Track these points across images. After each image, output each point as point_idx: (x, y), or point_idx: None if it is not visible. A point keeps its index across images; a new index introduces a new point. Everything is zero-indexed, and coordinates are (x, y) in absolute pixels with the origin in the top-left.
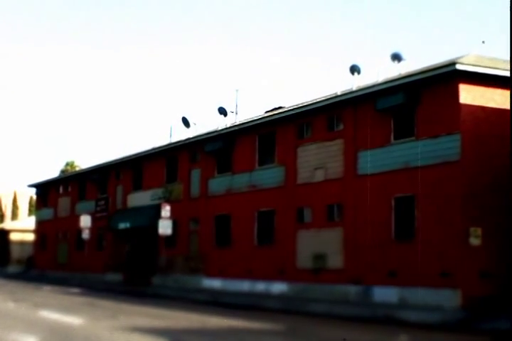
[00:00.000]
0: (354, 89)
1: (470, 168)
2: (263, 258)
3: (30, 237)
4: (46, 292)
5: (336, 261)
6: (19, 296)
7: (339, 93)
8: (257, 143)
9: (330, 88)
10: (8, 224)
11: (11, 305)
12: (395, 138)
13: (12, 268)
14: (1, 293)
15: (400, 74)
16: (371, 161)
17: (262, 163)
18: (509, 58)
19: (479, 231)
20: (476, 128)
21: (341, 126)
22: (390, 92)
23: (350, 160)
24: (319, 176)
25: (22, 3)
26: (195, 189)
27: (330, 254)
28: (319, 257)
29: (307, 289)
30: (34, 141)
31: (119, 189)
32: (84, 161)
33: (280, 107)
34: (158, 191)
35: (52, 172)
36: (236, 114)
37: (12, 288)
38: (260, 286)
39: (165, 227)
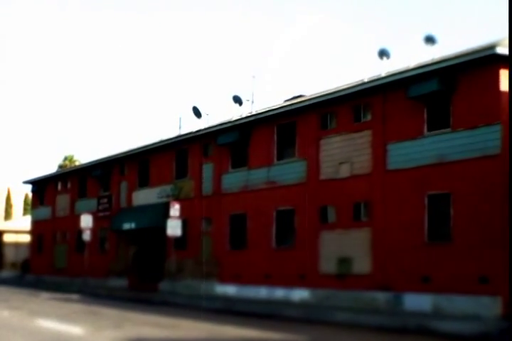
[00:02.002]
0: (383, 75)
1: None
2: (282, 262)
3: (26, 239)
4: (43, 299)
5: (362, 265)
6: (14, 304)
7: (366, 80)
8: (275, 135)
9: (356, 75)
10: (1, 224)
11: (4, 314)
12: (429, 130)
13: (6, 273)
14: None
15: (433, 58)
16: (402, 155)
17: (281, 156)
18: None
19: None
20: None
21: (369, 116)
22: (423, 78)
23: (379, 153)
24: (344, 171)
25: None
26: (207, 185)
27: (356, 258)
28: (344, 261)
29: (331, 296)
30: (29, 134)
31: (124, 186)
32: (85, 155)
33: (300, 96)
34: (167, 188)
35: (50, 168)
36: (252, 102)
37: (6, 295)
38: (279, 293)
39: (174, 228)
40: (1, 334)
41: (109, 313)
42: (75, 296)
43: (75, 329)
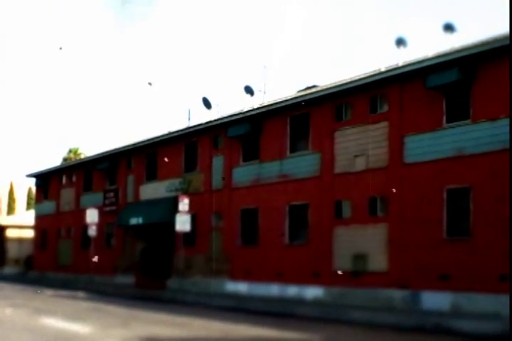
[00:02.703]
0: (400, 64)
1: None
2: (295, 259)
3: (29, 234)
4: (48, 296)
5: (379, 262)
6: (17, 301)
7: (383, 69)
8: (288, 127)
9: (372, 64)
10: (3, 219)
11: (8, 312)
12: (448, 121)
13: (8, 269)
14: None
15: (453, 47)
16: (420, 147)
17: (294, 149)
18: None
19: None
20: None
21: (386, 107)
22: (442, 68)
23: (396, 146)
24: (360, 165)
25: None
26: (217, 179)
27: (372, 254)
28: (360, 258)
29: (346, 294)
30: (32, 126)
31: (131, 179)
32: (90, 148)
33: (314, 86)
34: (175, 182)
35: (54, 161)
36: (264, 93)
37: (9, 292)
38: (292, 291)
39: (183, 223)
40: (5, 332)
41: (116, 311)
42: (80, 294)
43: (81, 328)
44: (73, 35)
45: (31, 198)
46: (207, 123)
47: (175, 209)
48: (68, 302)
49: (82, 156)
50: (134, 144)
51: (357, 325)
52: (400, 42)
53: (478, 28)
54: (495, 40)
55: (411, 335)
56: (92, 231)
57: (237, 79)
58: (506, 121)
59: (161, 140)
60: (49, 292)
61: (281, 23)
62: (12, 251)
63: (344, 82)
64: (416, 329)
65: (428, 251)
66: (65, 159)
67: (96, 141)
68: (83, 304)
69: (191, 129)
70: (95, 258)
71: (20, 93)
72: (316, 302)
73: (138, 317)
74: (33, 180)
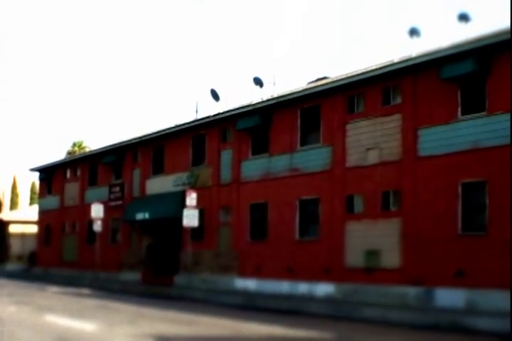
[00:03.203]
0: (414, 55)
1: None
2: (306, 255)
3: (33, 230)
4: (52, 293)
5: (392, 258)
6: (21, 298)
7: (396, 60)
8: (298, 119)
9: (385, 55)
10: (6, 214)
11: (12, 309)
12: (463, 113)
13: (12, 266)
14: (0, 294)
15: (468, 37)
16: (434, 140)
17: (304, 142)
18: None
19: None
20: None
21: (399, 99)
22: (457, 59)
23: (410, 139)
24: (372, 158)
25: None
26: (225, 173)
27: (385, 250)
28: (372, 254)
29: (358, 291)
30: (36, 119)
31: (137, 173)
32: (95, 141)
33: (324, 78)
34: (183, 176)
35: (58, 154)
36: (274, 85)
37: (13, 289)
38: (302, 288)
39: (190, 218)
40: (9, 330)
41: (123, 308)
42: (85, 290)
43: (86, 326)
44: (77, 28)
45: (34, 193)
46: (215, 115)
47: (182, 204)
48: (73, 300)
49: (87, 150)
50: (140, 137)
51: (369, 323)
52: (414, 32)
53: (494, 18)
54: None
55: (425, 334)
56: (97, 227)
57: (245, 71)
58: None
59: (168, 133)
60: (53, 289)
61: (290, 14)
62: (15, 247)
63: (356, 73)
64: (430, 327)
65: (442, 246)
66: (69, 153)
67: (101, 135)
68: (88, 301)
69: (199, 122)
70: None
71: (23, 85)
72: (327, 300)
73: (145, 314)
74: (37, 174)
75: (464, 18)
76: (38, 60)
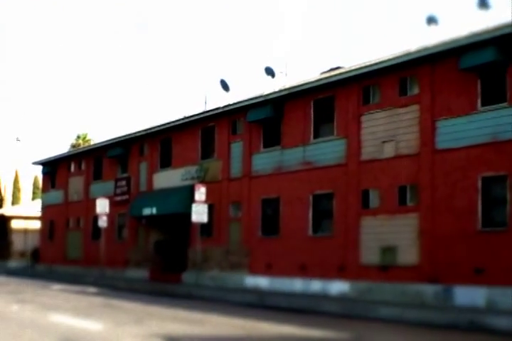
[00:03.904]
0: (432, 44)
1: None
2: (319, 252)
3: (35, 225)
4: (56, 291)
5: (408, 255)
6: (24, 297)
7: (413, 49)
8: (312, 111)
9: (401, 44)
10: (8, 209)
11: (14, 308)
12: (483, 105)
13: (14, 263)
14: (2, 292)
15: (488, 26)
16: (453, 133)
17: (317, 134)
18: None
19: None
20: None
21: (416, 90)
22: (477, 48)
23: (427, 131)
24: (389, 151)
25: None
26: (236, 167)
27: (401, 247)
28: (388, 250)
29: (373, 289)
30: (38, 110)
31: (143, 167)
32: (99, 134)
33: (338, 67)
34: (191, 169)
35: (61, 147)
36: (286, 75)
37: (15, 287)
38: (316, 286)
39: (199, 213)
40: (12, 330)
41: (130, 307)
42: (90, 288)
43: (92, 325)
44: (83, 18)
45: (37, 187)
46: (225, 106)
47: (191, 199)
48: (78, 298)
49: (92, 143)
50: (147, 129)
51: (386, 322)
52: (431, 20)
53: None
54: None
55: (443, 333)
56: (103, 222)
57: (256, 61)
58: None
59: (176, 125)
60: (57, 286)
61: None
62: (17, 244)
63: (372, 62)
64: (448, 326)
65: (461, 243)
66: (73, 145)
67: (106, 127)
68: (94, 299)
69: (208, 113)
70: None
71: (24, 77)
72: (341, 298)
73: (152, 313)
74: (40, 167)
75: (483, 5)
76: (41, 51)
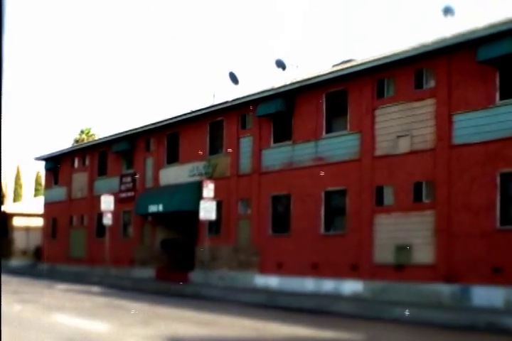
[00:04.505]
0: (448, 35)
1: None
2: (331, 250)
3: (38, 223)
4: (59, 291)
5: (424, 253)
6: (26, 297)
7: (429, 41)
8: (324, 105)
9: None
10: (9, 206)
11: (17, 308)
12: (502, 98)
13: (16, 262)
14: (4, 292)
15: (506, 17)
16: (470, 127)
17: (330, 129)
18: None
19: None
20: None
21: (432, 83)
22: (495, 39)
23: (444, 125)
24: (404, 146)
25: None
26: (245, 162)
27: (417, 245)
28: (403, 249)
29: (387, 289)
30: (41, 104)
31: (150, 162)
32: (104, 129)
33: (350, 60)
34: (199, 165)
35: (64, 143)
36: (297, 67)
37: (17, 287)
38: (328, 285)
39: (207, 210)
40: (15, 331)
41: (136, 308)
42: (95, 288)
43: (98, 326)
44: (89, 10)
45: (40, 184)
46: (234, 100)
47: (199, 196)
48: (82, 298)
49: (96, 137)
50: (153, 124)
51: (401, 323)
52: (448, 11)
53: None
54: None
55: (461, 334)
56: (107, 220)
57: (266, 53)
58: None
59: (183, 119)
60: (61, 286)
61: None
62: (19, 242)
63: (386, 54)
64: (466, 327)
65: (479, 241)
66: (76, 140)
67: (110, 122)
68: (99, 299)
69: (216, 107)
70: None
71: (26, 68)
72: (354, 298)
73: (160, 314)
74: (42, 163)
75: None
76: (45, 43)
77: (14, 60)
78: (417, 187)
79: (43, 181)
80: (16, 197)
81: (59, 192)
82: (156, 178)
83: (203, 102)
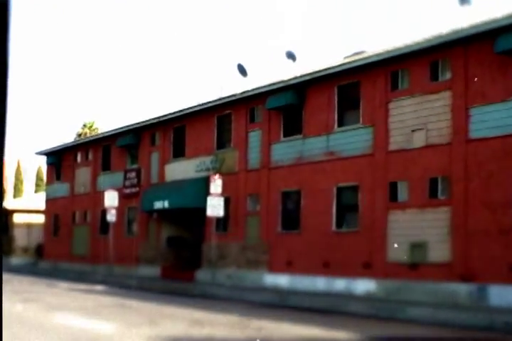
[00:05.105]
0: (465, 26)
1: None
2: (343, 248)
3: (39, 220)
4: (62, 290)
5: (440, 251)
6: (28, 296)
7: (445, 32)
8: (335, 97)
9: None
10: (10, 202)
11: (18, 308)
12: None
13: (17, 260)
14: (5, 291)
15: None
16: (488, 121)
17: (342, 122)
18: None
19: None
20: None
21: (448, 75)
22: None
23: (460, 119)
24: (418, 140)
25: None
26: (254, 157)
27: (432, 243)
28: (418, 247)
29: (401, 288)
30: (42, 97)
31: (155, 157)
32: (107, 122)
33: (362, 52)
34: (206, 160)
35: (67, 137)
36: (307, 59)
37: (19, 286)
38: (340, 284)
39: (215, 207)
40: (17, 332)
41: (142, 307)
42: (98, 287)
43: (103, 326)
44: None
45: (41, 179)
46: (242, 93)
47: (206, 192)
48: (86, 297)
49: (99, 131)
50: (159, 117)
51: (415, 324)
52: (464, 0)
53: None
54: None
55: (478, 335)
56: (111, 217)
57: (275, 45)
58: None
59: (190, 112)
60: (63, 285)
61: None
62: (20, 239)
63: (400, 46)
64: (483, 328)
65: (497, 239)
66: (78, 135)
67: (114, 115)
68: (103, 299)
69: (224, 100)
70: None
71: (28, 61)
72: (367, 298)
73: (166, 314)
74: (44, 158)
75: None
76: (46, 35)
77: (16, 53)
78: (433, 182)
79: (44, 176)
80: (17, 192)
81: (61, 188)
82: (161, 173)
83: (210, 95)
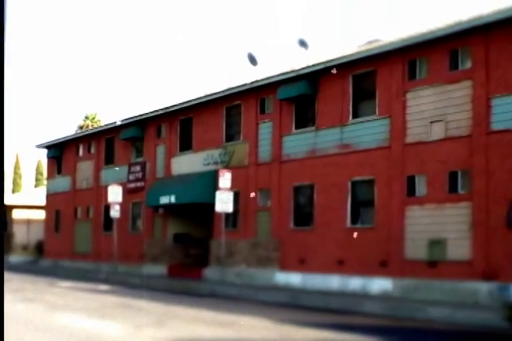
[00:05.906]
0: (486, 12)
1: None
2: (358, 245)
3: (39, 215)
4: (64, 289)
5: (460, 249)
6: (29, 295)
7: (465, 18)
8: (350, 87)
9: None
10: (8, 197)
11: (19, 307)
12: None
13: (16, 257)
14: (5, 290)
15: None
16: (510, 112)
17: (357, 114)
18: None
19: None
20: None
21: (469, 63)
22: None
23: (481, 110)
24: (437, 132)
25: None
26: (264, 150)
27: (452, 240)
28: (437, 244)
29: (419, 287)
30: (42, 88)
31: (161, 150)
32: (110, 114)
33: (377, 40)
34: (215, 153)
35: (68, 129)
36: (320, 47)
37: (19, 284)
38: (355, 283)
39: (224, 202)
40: (18, 333)
41: (148, 307)
42: (102, 286)
43: (108, 327)
44: None
45: (41, 173)
46: (252, 83)
47: (214, 186)
48: (89, 296)
49: (101, 124)
50: (165, 108)
51: (434, 324)
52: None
53: None
54: None
55: (499, 336)
56: (115, 212)
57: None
58: None
59: (197, 103)
60: (65, 284)
61: None
62: (19, 236)
63: (418, 33)
64: (505, 329)
65: None
66: (80, 127)
67: (117, 107)
68: (107, 298)
69: (233, 90)
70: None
71: (30, 54)
72: (383, 297)
73: (174, 314)
74: (44, 151)
75: None
76: (48, 27)
77: (16, 45)
78: (452, 176)
79: (44, 170)
80: (15, 187)
81: (62, 182)
82: (167, 167)
83: (218, 85)
